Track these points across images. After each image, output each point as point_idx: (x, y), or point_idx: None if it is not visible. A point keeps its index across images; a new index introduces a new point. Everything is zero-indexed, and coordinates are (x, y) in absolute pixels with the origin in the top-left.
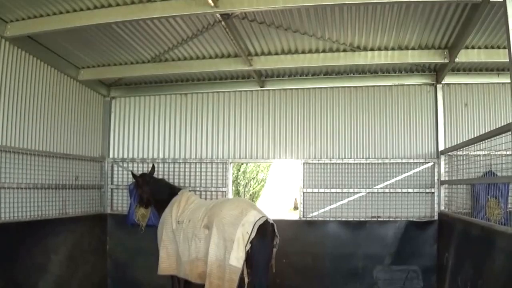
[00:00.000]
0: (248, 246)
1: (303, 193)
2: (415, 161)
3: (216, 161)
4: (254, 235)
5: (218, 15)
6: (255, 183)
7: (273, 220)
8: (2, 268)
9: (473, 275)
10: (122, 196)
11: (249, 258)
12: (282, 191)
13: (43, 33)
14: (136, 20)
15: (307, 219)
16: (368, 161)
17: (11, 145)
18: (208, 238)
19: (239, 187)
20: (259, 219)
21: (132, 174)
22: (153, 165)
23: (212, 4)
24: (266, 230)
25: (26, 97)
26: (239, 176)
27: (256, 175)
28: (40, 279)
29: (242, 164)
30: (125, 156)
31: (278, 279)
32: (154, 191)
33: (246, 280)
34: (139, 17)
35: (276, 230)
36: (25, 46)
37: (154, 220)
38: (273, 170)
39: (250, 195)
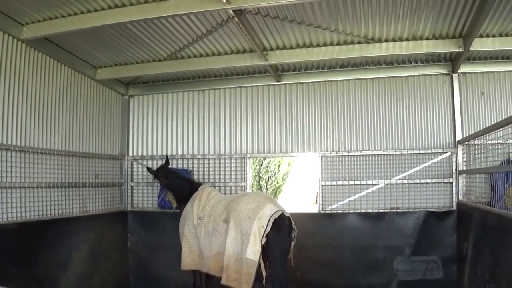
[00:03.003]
0: (264, 239)
1: (322, 186)
2: (432, 151)
3: (234, 156)
4: (269, 228)
5: (231, 11)
6: (276, 178)
7: (292, 214)
8: (24, 267)
9: (492, 265)
10: (142, 193)
11: (266, 252)
12: (304, 185)
13: (59, 34)
14: (150, 19)
15: (326, 212)
16: (385, 153)
17: (31, 146)
18: (226, 232)
19: (261, 181)
20: (275, 212)
21: (148, 169)
22: (167, 156)
23: (224, 1)
24: (282, 224)
25: (45, 98)
26: (261, 171)
27: (278, 170)
28: (62, 277)
29: (265, 159)
30: (145, 154)
31: (299, 272)
32: (175, 188)
33: (264, 273)
34: (153, 15)
35: (293, 223)
36: (41, 47)
37: None
38: (295, 164)
39: (272, 190)
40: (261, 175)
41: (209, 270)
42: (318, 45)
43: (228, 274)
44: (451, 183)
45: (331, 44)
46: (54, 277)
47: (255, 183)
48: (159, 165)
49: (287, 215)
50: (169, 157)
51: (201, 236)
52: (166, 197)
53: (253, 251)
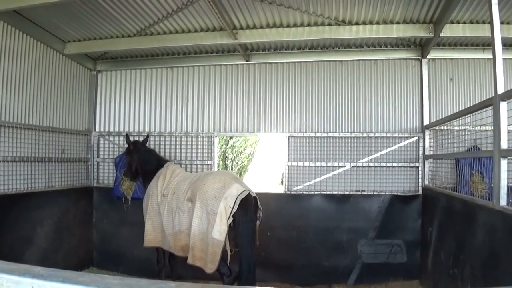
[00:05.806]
0: (231, 219)
1: (288, 166)
2: (400, 135)
3: (201, 135)
4: (236, 208)
5: None
6: (242, 158)
7: (258, 194)
8: None
9: (456, 250)
10: (108, 169)
11: (232, 231)
12: (269, 165)
13: (29, 7)
14: None
15: (292, 192)
16: (353, 135)
17: None
18: (191, 211)
19: (227, 161)
20: (242, 192)
21: (127, 137)
22: (148, 134)
23: None
24: (248, 204)
25: (12, 71)
26: (227, 150)
27: (244, 149)
28: (26, 252)
29: (231, 138)
30: (111, 130)
31: (263, 252)
32: (143, 161)
33: (229, 253)
34: None
35: (259, 203)
36: (11, 20)
37: (139, 193)
38: (261, 144)
39: (238, 169)
40: (226, 154)
41: (170, 248)
42: (288, 26)
43: (194, 253)
44: (417, 167)
45: (302, 25)
46: (18, 252)
47: (221, 162)
48: (125, 143)
49: (253, 195)
50: (136, 134)
51: (164, 214)
52: (120, 188)
53: (219, 231)
